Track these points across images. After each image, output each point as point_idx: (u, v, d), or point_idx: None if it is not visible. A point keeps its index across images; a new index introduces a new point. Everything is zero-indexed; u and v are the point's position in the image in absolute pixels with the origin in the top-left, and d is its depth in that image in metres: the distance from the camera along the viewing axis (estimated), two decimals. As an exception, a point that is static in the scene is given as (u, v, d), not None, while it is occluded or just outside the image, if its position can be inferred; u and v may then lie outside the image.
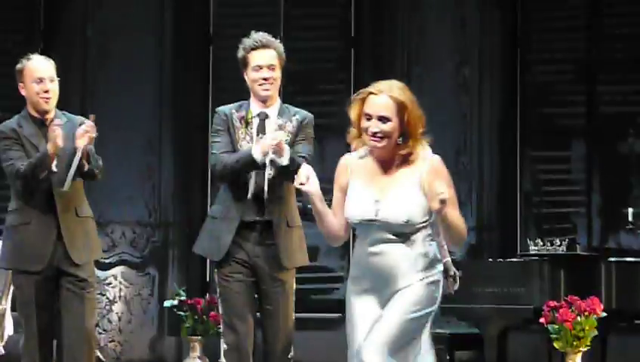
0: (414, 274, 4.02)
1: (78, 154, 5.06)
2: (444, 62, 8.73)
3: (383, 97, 4.02)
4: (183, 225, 8.90)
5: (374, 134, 4.00)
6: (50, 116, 5.26)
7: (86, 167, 5.12)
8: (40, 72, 5.22)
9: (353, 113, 4.08)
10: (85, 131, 5.08)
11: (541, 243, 7.28)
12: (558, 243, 7.21)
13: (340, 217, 4.07)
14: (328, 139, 8.43)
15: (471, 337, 7.56)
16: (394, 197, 3.98)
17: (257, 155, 4.86)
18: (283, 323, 4.98)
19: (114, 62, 9.00)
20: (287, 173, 4.85)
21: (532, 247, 7.28)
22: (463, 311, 7.30)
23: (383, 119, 3.99)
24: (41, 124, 5.26)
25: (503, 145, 8.69)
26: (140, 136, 8.94)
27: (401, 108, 4.00)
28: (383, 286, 4.02)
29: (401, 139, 4.02)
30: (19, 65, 5.28)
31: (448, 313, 7.62)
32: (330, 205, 4.10)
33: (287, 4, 8.98)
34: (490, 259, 8.04)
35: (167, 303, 8.57)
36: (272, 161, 4.86)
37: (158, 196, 8.97)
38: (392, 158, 4.04)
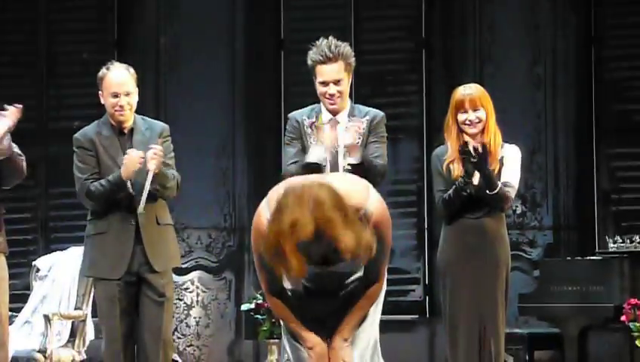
0: None
1: (149, 178, 5.08)
2: (517, 61, 8.65)
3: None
4: (258, 229, 8.92)
5: None
6: (127, 125, 5.31)
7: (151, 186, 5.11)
8: (115, 87, 5.24)
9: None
10: (154, 154, 5.10)
11: (620, 241, 7.20)
12: (638, 240, 7.12)
13: None
14: (401, 141, 8.41)
15: (551, 337, 7.50)
16: None
17: (315, 158, 4.83)
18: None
19: (186, 70, 9.07)
20: (361, 173, 4.83)
21: (611, 245, 7.20)
22: (543, 310, 7.25)
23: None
24: (120, 132, 5.31)
25: (578, 143, 8.59)
26: (214, 142, 9.00)
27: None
28: None
29: None
30: (100, 74, 5.31)
31: (527, 313, 7.58)
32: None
33: (357, 7, 8.97)
34: (569, 258, 7.95)
35: (244, 307, 8.61)
36: (344, 163, 4.84)
37: (232, 201, 9.03)
38: None
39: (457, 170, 5.11)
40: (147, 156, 5.10)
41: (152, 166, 5.08)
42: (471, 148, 5.05)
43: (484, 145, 5.03)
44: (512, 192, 5.15)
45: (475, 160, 5.02)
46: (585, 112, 8.60)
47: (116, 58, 8.42)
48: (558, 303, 7.09)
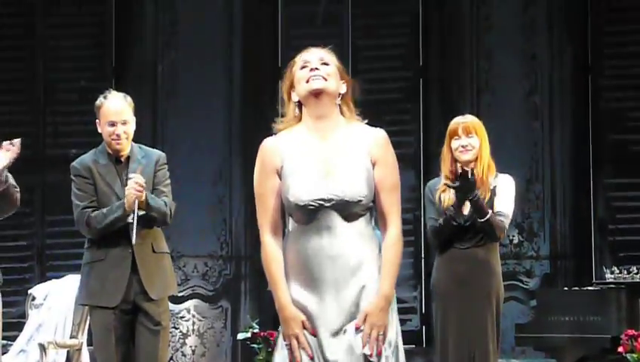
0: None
1: (134, 214, 5.06)
2: (514, 90, 8.67)
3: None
4: (255, 257, 8.92)
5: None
6: (124, 154, 5.31)
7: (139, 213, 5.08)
8: (112, 116, 5.23)
9: None
10: (135, 190, 5.09)
11: (617, 271, 7.19)
12: (635, 270, 7.11)
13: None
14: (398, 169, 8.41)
15: (547, 367, 7.47)
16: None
17: None
18: None
19: (183, 97, 9.08)
20: None
21: (608, 275, 7.19)
22: (539, 340, 7.22)
23: None
24: (117, 160, 5.31)
25: (575, 173, 8.59)
26: (210, 170, 9.01)
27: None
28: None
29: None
30: (97, 103, 5.31)
31: (524, 343, 7.56)
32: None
33: (355, 34, 9.00)
34: (566, 288, 7.94)
35: (240, 336, 8.59)
36: None
37: (229, 229, 9.02)
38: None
39: (448, 199, 5.16)
40: (126, 192, 5.10)
41: (131, 198, 5.07)
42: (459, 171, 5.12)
43: (472, 171, 5.09)
44: (505, 221, 5.17)
45: (463, 185, 5.06)
46: (582, 142, 8.61)
47: (114, 85, 8.43)
48: (555, 333, 7.07)
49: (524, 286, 8.41)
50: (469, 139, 5.21)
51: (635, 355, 6.61)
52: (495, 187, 5.21)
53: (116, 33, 9.22)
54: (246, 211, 8.98)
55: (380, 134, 3.62)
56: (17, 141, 4.92)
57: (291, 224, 3.56)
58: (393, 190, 3.53)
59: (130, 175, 5.14)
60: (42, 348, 6.65)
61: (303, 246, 3.49)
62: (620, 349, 6.74)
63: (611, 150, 8.53)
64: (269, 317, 8.85)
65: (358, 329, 3.45)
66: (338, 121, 3.61)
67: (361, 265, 3.48)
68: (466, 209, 5.17)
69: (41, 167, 8.97)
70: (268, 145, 3.62)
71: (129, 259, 5.19)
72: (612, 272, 7.22)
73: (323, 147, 3.55)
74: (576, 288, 7.53)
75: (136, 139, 5.39)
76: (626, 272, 7.13)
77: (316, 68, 3.61)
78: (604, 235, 8.43)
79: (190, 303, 8.97)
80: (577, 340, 6.96)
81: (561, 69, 8.66)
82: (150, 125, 8.91)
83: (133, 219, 5.05)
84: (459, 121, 5.27)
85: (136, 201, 5.06)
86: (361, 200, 3.48)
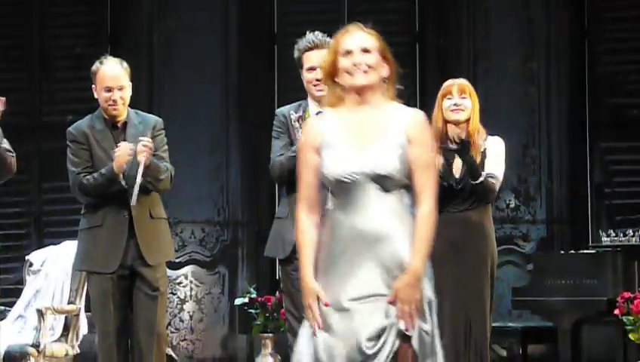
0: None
1: (140, 170, 5.08)
2: (511, 56, 8.65)
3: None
4: (252, 223, 8.94)
5: None
6: (121, 119, 5.30)
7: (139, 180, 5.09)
8: (108, 81, 5.23)
9: None
10: (144, 146, 5.10)
11: (613, 235, 7.21)
12: (631, 233, 7.13)
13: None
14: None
15: (544, 330, 7.51)
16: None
17: None
18: None
19: (180, 64, 9.06)
20: None
21: (604, 239, 7.21)
22: (536, 304, 7.25)
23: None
24: (113, 126, 5.31)
25: (572, 137, 8.59)
26: (207, 137, 9.00)
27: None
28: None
29: None
30: (93, 68, 5.30)
31: (520, 306, 7.59)
32: None
33: (350, 1, 8.97)
34: (562, 252, 7.96)
35: (238, 301, 8.61)
36: None
37: (226, 195, 9.02)
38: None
39: (438, 161, 5.14)
40: (137, 148, 5.10)
41: (141, 158, 5.08)
42: (455, 137, 5.10)
43: (467, 134, 5.08)
44: (496, 184, 5.17)
45: (463, 148, 5.06)
46: (578, 106, 8.61)
47: (109, 52, 8.40)
48: (552, 297, 7.09)
49: (521, 250, 8.43)
50: (462, 99, 5.19)
51: (630, 317, 6.64)
52: (485, 149, 5.19)
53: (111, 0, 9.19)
54: (243, 177, 8.98)
55: (417, 114, 3.72)
56: (2, 99, 4.89)
57: (330, 200, 3.66)
58: (428, 168, 3.61)
59: (140, 138, 5.13)
60: (40, 313, 6.67)
61: (336, 219, 3.59)
62: (616, 312, 6.77)
63: (608, 114, 8.52)
64: (267, 282, 8.89)
65: (391, 304, 3.51)
66: (378, 102, 3.70)
67: (391, 241, 3.55)
68: (458, 171, 5.17)
69: (37, 134, 8.96)
70: (310, 123, 3.77)
71: (126, 224, 5.20)
72: (608, 235, 7.24)
73: (360, 125, 3.65)
74: (573, 251, 7.56)
75: (132, 107, 5.39)
76: (622, 235, 7.15)
77: (359, 62, 3.67)
78: (600, 199, 8.44)
79: (187, 269, 8.99)
80: (574, 303, 6.99)
81: (558, 34, 8.64)
82: (146, 92, 8.89)
83: (135, 181, 5.05)
84: (453, 82, 5.25)
85: (142, 163, 5.07)
86: (392, 175, 3.56)
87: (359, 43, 3.70)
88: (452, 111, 5.18)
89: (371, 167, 3.56)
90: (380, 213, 3.56)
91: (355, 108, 3.68)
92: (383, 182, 3.57)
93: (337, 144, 3.62)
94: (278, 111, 5.16)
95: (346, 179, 3.57)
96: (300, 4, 9.00)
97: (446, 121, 5.20)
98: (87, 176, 5.19)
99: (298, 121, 5.05)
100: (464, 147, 5.09)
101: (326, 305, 3.53)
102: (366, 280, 3.54)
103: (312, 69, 5.00)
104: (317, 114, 5.04)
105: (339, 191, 3.59)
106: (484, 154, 5.18)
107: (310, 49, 5.00)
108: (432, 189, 3.60)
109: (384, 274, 3.54)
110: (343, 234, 3.57)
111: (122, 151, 5.11)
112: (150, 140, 5.13)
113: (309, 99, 5.08)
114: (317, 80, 4.99)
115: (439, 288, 5.16)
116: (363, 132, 3.63)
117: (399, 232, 3.56)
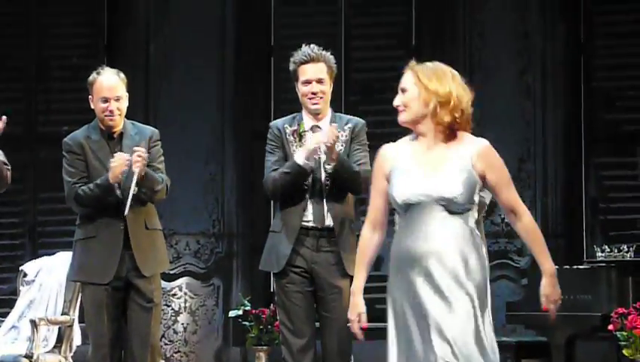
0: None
1: (134, 180, 5.08)
2: (507, 69, 8.67)
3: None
4: (247, 235, 8.93)
5: None
6: (117, 130, 5.31)
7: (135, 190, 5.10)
8: (105, 92, 5.24)
9: None
10: (138, 156, 5.10)
11: (608, 250, 7.22)
12: (626, 249, 7.13)
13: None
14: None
15: (538, 345, 7.50)
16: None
17: (300, 160, 4.89)
18: (340, 331, 4.96)
19: (176, 76, 9.07)
20: (342, 178, 4.88)
21: (599, 254, 7.21)
22: (530, 318, 7.24)
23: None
24: (109, 137, 5.31)
25: (567, 152, 8.60)
26: (203, 148, 9.00)
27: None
28: None
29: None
30: (90, 79, 5.31)
31: (515, 321, 7.59)
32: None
33: (348, 13, 8.98)
34: (557, 267, 7.92)
35: (232, 313, 8.60)
36: (324, 167, 4.89)
37: (221, 207, 9.02)
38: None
39: None
40: (132, 159, 5.10)
41: (136, 169, 5.08)
42: None
43: None
44: None
45: None
46: (574, 121, 8.62)
47: (106, 63, 8.41)
48: (546, 312, 7.08)
49: (515, 265, 8.43)
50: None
51: (624, 333, 6.64)
52: None
53: (109, 10, 9.19)
54: (238, 189, 8.98)
55: (483, 143, 3.93)
56: (3, 118, 4.90)
57: (398, 221, 3.97)
58: (510, 186, 3.91)
59: (134, 148, 5.14)
60: (34, 324, 6.65)
61: (402, 240, 3.86)
62: (610, 327, 6.77)
63: (603, 129, 8.54)
64: (261, 294, 8.88)
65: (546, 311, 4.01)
66: (439, 134, 3.91)
67: (454, 263, 3.80)
68: None
69: (33, 144, 8.96)
70: (382, 151, 4.01)
71: (121, 235, 5.20)
72: (603, 251, 7.24)
73: (428, 154, 3.91)
74: (567, 267, 7.55)
75: (128, 118, 5.39)
76: (616, 251, 7.16)
77: (314, 93, 4.14)
78: (595, 214, 8.45)
79: (182, 281, 8.98)
80: (568, 318, 6.98)
81: (554, 48, 8.65)
82: (142, 103, 8.89)
83: (129, 191, 5.05)
84: None
85: (136, 174, 5.07)
86: (456, 198, 3.80)
87: (401, 82, 4.22)
88: None
89: (437, 190, 3.82)
90: (442, 235, 3.81)
91: (419, 137, 3.96)
92: (448, 206, 3.82)
93: (406, 170, 3.89)
94: (272, 124, 5.16)
95: (411, 202, 3.84)
96: (297, 16, 9.01)
97: None
98: (83, 187, 5.19)
99: (293, 135, 5.06)
100: None
101: (364, 328, 3.92)
102: (423, 299, 3.79)
103: (307, 82, 5.00)
104: (311, 127, 5.05)
105: (403, 210, 3.87)
106: None
107: (306, 62, 5.01)
108: (520, 201, 3.92)
109: (437, 288, 3.80)
110: (405, 253, 3.84)
111: (118, 161, 5.12)
112: (144, 151, 5.13)
113: (304, 112, 5.09)
114: (312, 93, 5.00)
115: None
116: (430, 160, 3.89)
117: (461, 255, 3.81)
